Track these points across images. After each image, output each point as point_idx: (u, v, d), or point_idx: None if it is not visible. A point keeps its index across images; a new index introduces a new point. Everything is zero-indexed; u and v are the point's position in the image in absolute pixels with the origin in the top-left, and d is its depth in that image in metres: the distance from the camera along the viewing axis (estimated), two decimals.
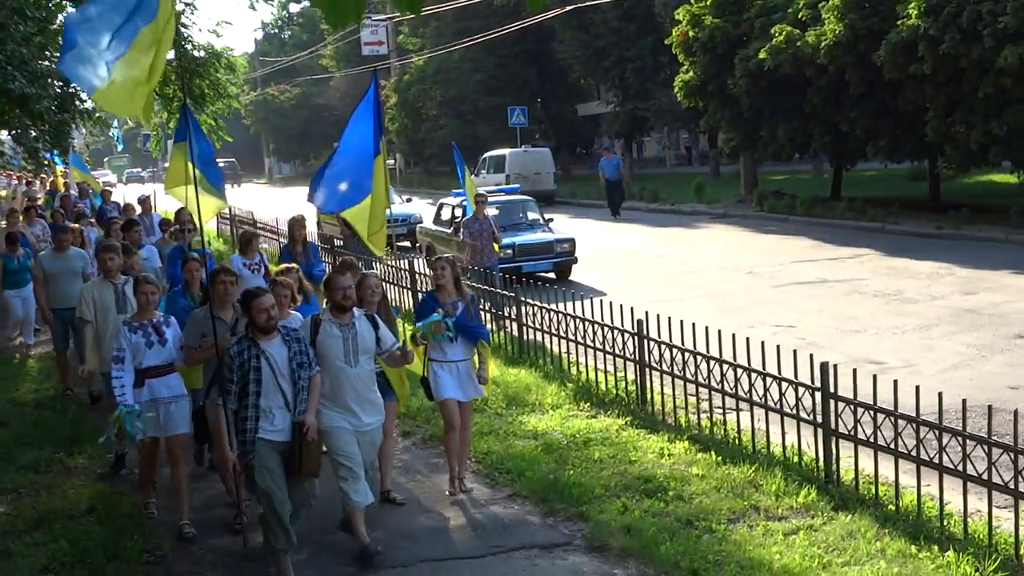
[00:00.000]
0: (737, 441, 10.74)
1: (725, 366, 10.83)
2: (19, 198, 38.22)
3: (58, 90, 29.20)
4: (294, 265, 10.96)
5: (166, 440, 9.29)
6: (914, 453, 8.64)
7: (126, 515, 9.74)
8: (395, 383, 9.84)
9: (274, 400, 7.96)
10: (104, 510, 9.84)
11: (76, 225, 17.83)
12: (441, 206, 25.05)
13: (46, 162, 30.85)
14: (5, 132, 30.54)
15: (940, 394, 8.76)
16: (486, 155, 48.67)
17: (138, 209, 21.70)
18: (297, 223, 14.71)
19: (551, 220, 24.99)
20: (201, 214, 12.48)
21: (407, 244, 29.39)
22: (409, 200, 35.77)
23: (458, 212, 22.53)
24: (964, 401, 8.56)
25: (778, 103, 33.25)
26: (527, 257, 22.66)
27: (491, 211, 19.15)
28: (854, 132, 31.26)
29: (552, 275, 22.94)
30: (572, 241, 23.49)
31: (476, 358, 10.08)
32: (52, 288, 14.12)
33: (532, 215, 24.66)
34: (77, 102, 30.81)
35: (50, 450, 11.94)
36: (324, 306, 9.04)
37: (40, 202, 30.19)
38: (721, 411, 11.30)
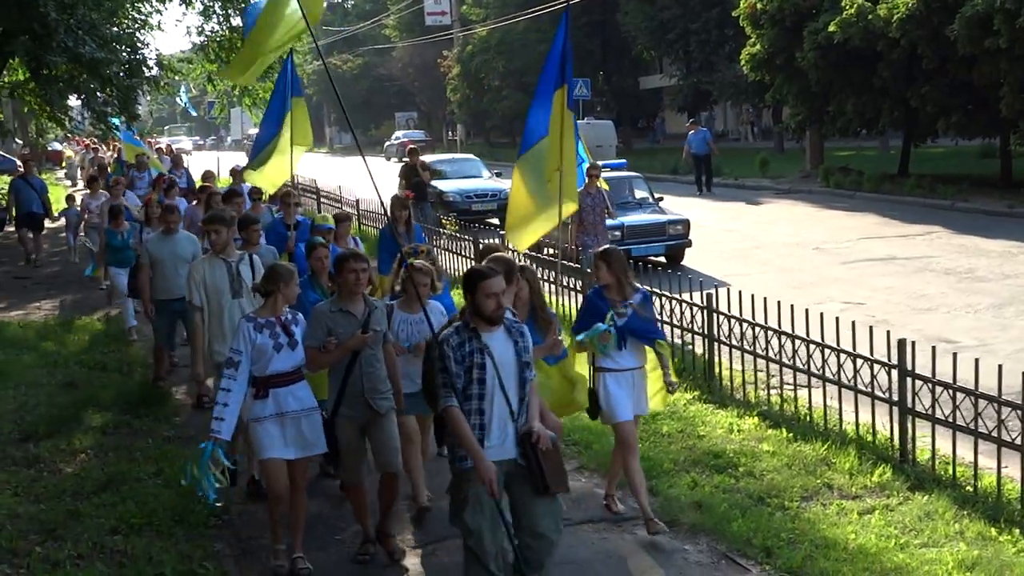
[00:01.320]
0: (808, 418, 10.56)
1: (797, 342, 10.64)
2: (87, 167, 38.22)
3: (126, 56, 29.43)
4: (423, 247, 9.66)
5: (290, 462, 7.63)
6: (995, 434, 8.43)
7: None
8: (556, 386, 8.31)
9: (497, 408, 6.33)
10: (171, 473, 9.84)
11: (154, 196, 17.33)
12: None
13: (109, 126, 31.11)
14: (75, 97, 30.85)
15: None
16: None
17: (210, 179, 21.15)
18: (399, 203, 13.29)
19: (661, 199, 22.54)
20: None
21: (495, 221, 26.50)
22: (499, 174, 32.03)
23: None
24: None
25: (847, 77, 32.72)
26: (637, 240, 20.04)
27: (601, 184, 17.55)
28: (925, 108, 30.72)
29: (663, 259, 20.60)
30: (686, 222, 20.97)
31: (648, 364, 8.50)
32: (157, 277, 12.37)
33: (640, 193, 22.40)
34: (144, 69, 31.04)
35: (117, 412, 11.99)
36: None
37: (109, 169, 30.30)
38: (792, 387, 11.13)
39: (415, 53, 78.70)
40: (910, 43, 29.27)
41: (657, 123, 71.25)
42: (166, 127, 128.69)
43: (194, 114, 54.88)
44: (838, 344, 10.21)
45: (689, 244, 20.95)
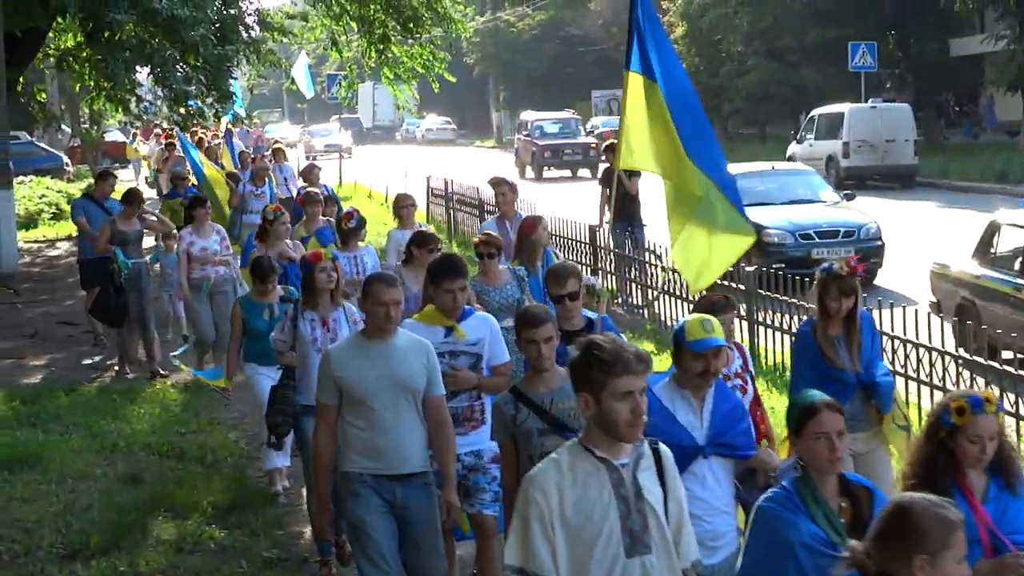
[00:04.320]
0: None
1: None
2: (164, 168, 36.03)
3: (217, 13, 29.91)
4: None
5: None
6: None
7: None
8: None
9: None
10: None
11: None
12: (996, 228, 18.05)
13: (194, 111, 31.57)
14: (145, 71, 31.54)
15: None
16: (815, 113, 48.06)
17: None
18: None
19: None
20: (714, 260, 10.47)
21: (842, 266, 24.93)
22: (850, 196, 28.51)
23: None
24: None
25: None
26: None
27: None
28: None
29: None
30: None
31: None
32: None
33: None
34: (242, 29, 31.47)
35: (198, 520, 12.18)
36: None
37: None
38: None
39: (621, 7, 78.99)
40: None
41: (984, 105, 68.92)
42: (255, 112, 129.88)
43: (311, 94, 52.71)
44: None
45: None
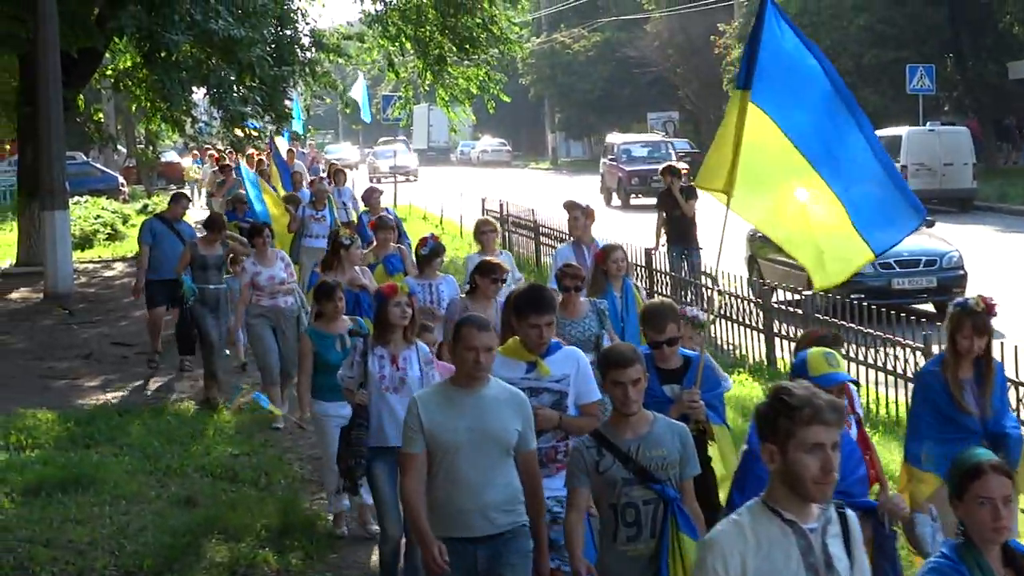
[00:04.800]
0: None
1: None
2: (217, 193, 35.00)
3: (273, 33, 29.92)
4: None
5: None
6: None
7: None
8: None
9: None
10: None
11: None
12: None
13: (251, 132, 31.60)
14: (202, 91, 31.58)
15: None
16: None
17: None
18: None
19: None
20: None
21: (931, 308, 23.22)
22: (930, 223, 24.68)
23: None
24: None
25: None
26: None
27: None
28: None
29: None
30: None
31: None
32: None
33: None
34: (298, 50, 31.49)
35: (251, 543, 12.17)
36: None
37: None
38: None
39: (677, 29, 78.90)
40: None
41: None
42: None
43: (367, 119, 51.01)
44: None
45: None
